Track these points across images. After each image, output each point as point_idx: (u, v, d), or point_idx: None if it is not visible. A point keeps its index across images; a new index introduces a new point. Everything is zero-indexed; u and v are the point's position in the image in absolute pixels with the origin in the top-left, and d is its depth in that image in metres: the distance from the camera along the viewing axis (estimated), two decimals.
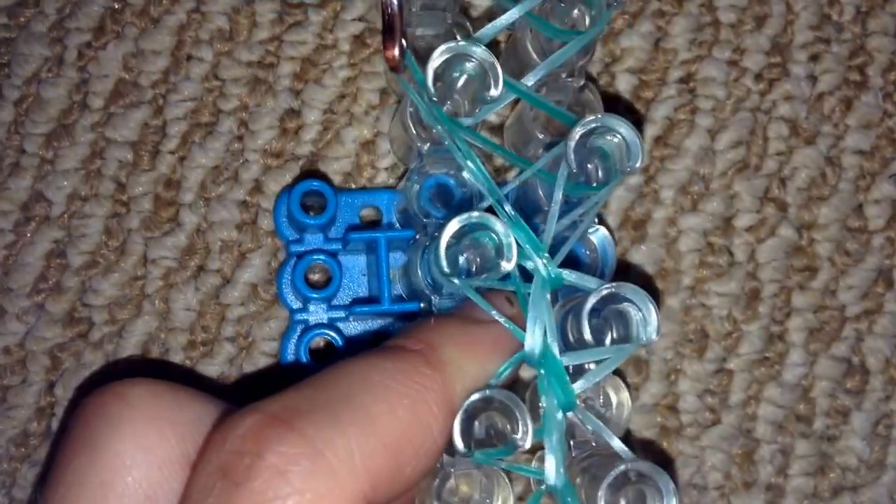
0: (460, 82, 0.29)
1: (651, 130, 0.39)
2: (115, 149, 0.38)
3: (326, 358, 0.36)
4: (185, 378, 0.36)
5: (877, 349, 0.39)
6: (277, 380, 0.32)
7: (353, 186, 0.38)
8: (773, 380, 0.38)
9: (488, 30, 0.29)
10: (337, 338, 0.36)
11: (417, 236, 0.34)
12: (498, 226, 0.26)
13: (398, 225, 0.36)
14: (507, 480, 0.27)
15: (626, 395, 0.29)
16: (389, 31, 0.28)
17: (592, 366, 0.27)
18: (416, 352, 0.26)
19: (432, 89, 0.28)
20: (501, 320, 0.27)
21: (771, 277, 0.39)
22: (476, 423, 0.26)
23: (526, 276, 0.27)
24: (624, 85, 0.39)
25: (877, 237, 0.39)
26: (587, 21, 0.30)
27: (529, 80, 0.30)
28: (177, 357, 0.37)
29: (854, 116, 0.40)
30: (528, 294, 0.27)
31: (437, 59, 0.28)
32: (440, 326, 0.27)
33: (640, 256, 0.38)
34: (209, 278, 0.37)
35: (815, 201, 0.39)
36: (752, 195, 0.39)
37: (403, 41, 0.29)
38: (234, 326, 0.37)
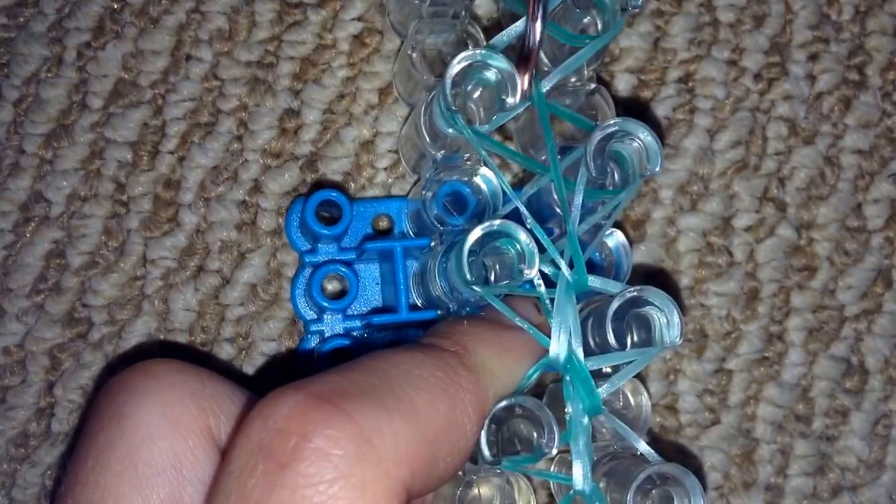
0: (477, 91, 0.29)
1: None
2: (114, 149, 0.38)
3: None
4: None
5: (876, 349, 0.39)
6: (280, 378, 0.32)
7: (353, 186, 0.38)
8: (773, 380, 0.38)
9: (503, 36, 0.29)
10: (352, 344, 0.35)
11: (433, 244, 0.34)
12: (520, 233, 0.26)
13: (410, 233, 0.36)
14: (529, 484, 0.27)
15: (645, 396, 0.29)
16: (525, 63, 0.28)
17: (610, 368, 0.27)
18: (453, 352, 0.26)
19: (450, 98, 0.28)
20: (525, 327, 0.27)
21: (770, 277, 0.39)
22: (503, 430, 0.26)
23: (546, 280, 0.28)
24: (623, 84, 0.39)
25: (876, 237, 0.39)
26: (599, 26, 0.30)
27: (544, 87, 0.29)
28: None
29: (853, 116, 0.40)
30: (552, 299, 0.27)
31: (455, 67, 0.28)
32: (474, 329, 0.27)
33: (640, 256, 0.38)
34: (209, 278, 0.37)
35: (814, 201, 0.39)
36: (751, 195, 0.39)
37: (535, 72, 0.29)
38: (234, 327, 0.37)
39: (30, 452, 0.36)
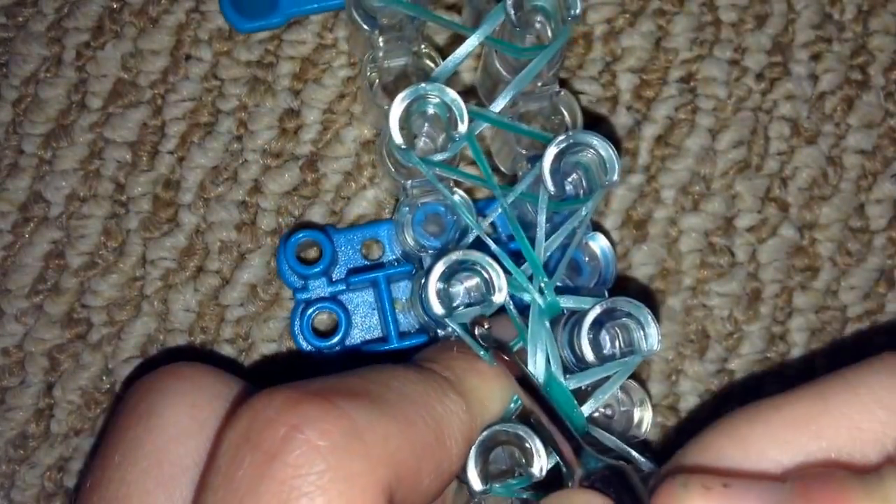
0: (427, 121, 0.29)
1: (652, 130, 0.39)
2: (113, 149, 0.38)
3: None
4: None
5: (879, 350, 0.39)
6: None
7: (354, 186, 0.38)
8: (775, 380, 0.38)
9: (448, 64, 0.30)
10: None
11: (416, 269, 0.34)
12: (484, 261, 0.27)
13: (400, 256, 0.36)
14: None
15: (642, 394, 0.29)
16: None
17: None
18: (444, 378, 0.26)
19: (399, 138, 0.28)
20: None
21: (772, 278, 0.39)
22: (492, 455, 0.26)
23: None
24: (625, 84, 0.39)
25: (878, 237, 0.39)
26: (549, 32, 0.30)
27: (498, 105, 0.30)
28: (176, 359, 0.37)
29: (855, 116, 0.40)
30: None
31: (398, 106, 0.28)
32: (463, 357, 0.27)
33: (642, 256, 0.38)
34: (208, 279, 0.37)
35: (816, 201, 0.39)
36: (753, 195, 0.39)
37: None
38: (234, 328, 0.37)
39: (29, 454, 0.36)
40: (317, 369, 0.35)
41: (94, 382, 0.37)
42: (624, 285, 0.38)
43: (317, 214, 0.38)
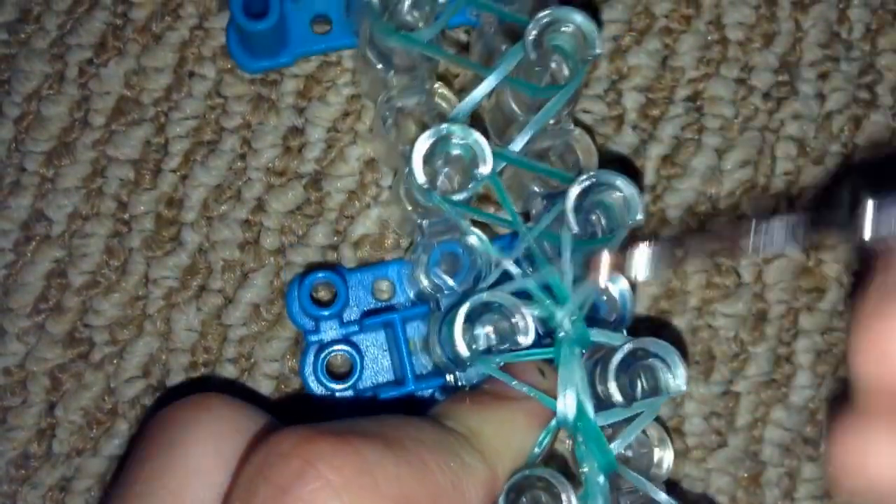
0: (449, 161, 0.29)
1: (658, 149, 0.39)
2: (116, 167, 0.37)
3: None
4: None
5: None
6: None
7: (358, 205, 0.38)
8: (780, 402, 0.38)
9: (466, 104, 0.30)
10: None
11: (432, 309, 0.33)
12: (510, 303, 0.27)
13: (411, 296, 0.35)
14: None
15: (662, 434, 0.29)
16: None
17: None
18: (460, 434, 0.26)
19: (423, 177, 0.28)
20: (526, 390, 0.27)
21: (778, 298, 0.38)
22: (522, 499, 0.26)
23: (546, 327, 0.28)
24: (631, 103, 0.39)
25: None
26: (566, 71, 0.30)
27: (517, 144, 0.30)
28: (178, 378, 0.37)
29: (863, 136, 0.39)
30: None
31: (422, 145, 0.28)
32: (477, 409, 0.27)
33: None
34: (211, 298, 0.37)
35: None
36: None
37: None
38: (236, 347, 0.37)
39: (30, 474, 0.36)
40: (334, 410, 0.35)
41: (96, 402, 0.36)
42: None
43: (320, 233, 0.37)
